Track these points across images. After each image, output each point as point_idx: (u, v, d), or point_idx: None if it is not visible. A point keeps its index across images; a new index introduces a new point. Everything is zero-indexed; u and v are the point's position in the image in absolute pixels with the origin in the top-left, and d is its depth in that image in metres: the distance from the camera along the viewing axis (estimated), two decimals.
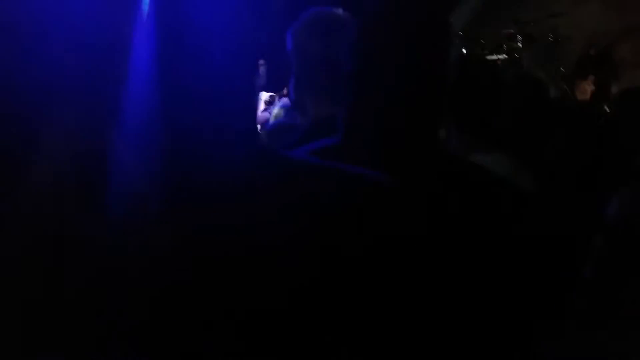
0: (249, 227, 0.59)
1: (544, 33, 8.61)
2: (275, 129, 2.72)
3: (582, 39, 8.04)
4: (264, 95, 4.38)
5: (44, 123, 0.57)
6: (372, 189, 0.72)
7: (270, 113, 4.12)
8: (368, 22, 1.20)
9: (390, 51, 1.09)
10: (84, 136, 0.60)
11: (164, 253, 0.57)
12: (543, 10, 8.77)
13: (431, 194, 0.94)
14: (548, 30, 8.59)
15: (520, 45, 8.67)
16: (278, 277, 0.59)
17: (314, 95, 1.43)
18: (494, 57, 8.73)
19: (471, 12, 10.02)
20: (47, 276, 0.55)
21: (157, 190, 0.59)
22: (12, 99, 0.57)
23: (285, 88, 8.24)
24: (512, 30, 8.73)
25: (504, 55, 8.70)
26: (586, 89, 7.35)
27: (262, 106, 4.31)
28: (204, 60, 0.66)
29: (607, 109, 4.11)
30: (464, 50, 8.15)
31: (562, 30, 8.52)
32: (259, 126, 3.47)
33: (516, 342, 0.97)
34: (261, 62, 7.72)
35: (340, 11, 1.47)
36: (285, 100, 4.07)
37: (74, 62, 0.60)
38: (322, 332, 0.61)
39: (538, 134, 1.83)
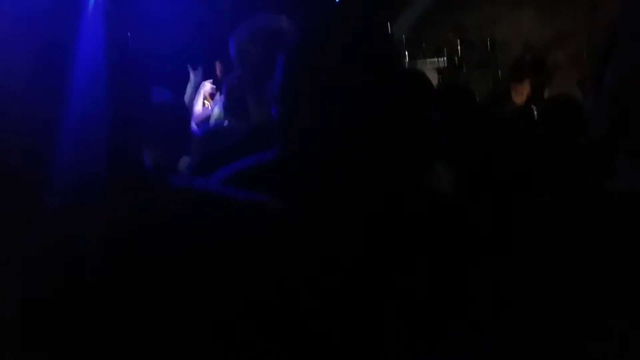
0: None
1: (481, 38, 8.85)
2: (213, 132, 2.66)
3: (517, 44, 8.28)
4: (206, 86, 4.09)
5: None
6: (270, 222, 0.71)
7: (209, 109, 3.93)
8: (306, 36, 1.19)
9: (325, 65, 1.03)
10: (27, 132, 0.65)
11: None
12: (480, 16, 9.04)
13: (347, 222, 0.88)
14: (486, 35, 8.84)
15: (459, 49, 8.86)
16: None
17: (253, 100, 1.43)
18: (435, 60, 8.93)
19: (413, 18, 10.20)
20: None
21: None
22: None
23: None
24: (451, 34, 8.91)
25: (444, 59, 8.89)
26: (522, 92, 7.61)
27: (200, 99, 4.02)
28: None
29: (536, 112, 4.16)
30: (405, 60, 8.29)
31: (499, 35, 8.78)
32: (194, 124, 3.27)
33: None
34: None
35: (284, 18, 1.49)
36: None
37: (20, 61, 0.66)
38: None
39: (469, 143, 1.80)
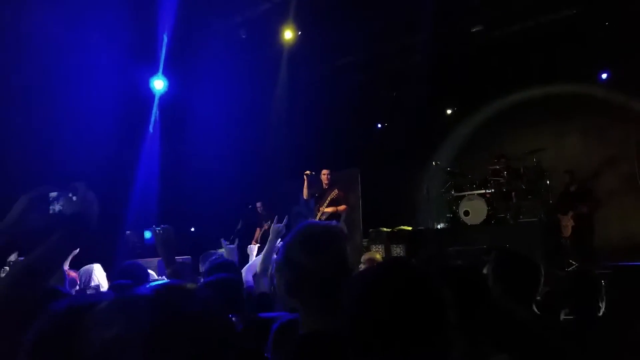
0: None
1: (528, 167, 8.83)
2: None
3: (565, 171, 8.24)
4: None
5: None
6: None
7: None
8: None
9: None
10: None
11: None
12: (526, 145, 9.12)
13: None
14: (532, 164, 8.82)
15: (506, 179, 8.85)
16: None
17: (301, 304, 1.56)
18: (483, 191, 8.95)
19: (456, 150, 10.50)
20: None
21: None
22: None
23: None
24: (497, 166, 8.95)
25: (492, 190, 8.87)
26: (567, 225, 7.49)
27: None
28: None
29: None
30: None
31: (546, 163, 8.77)
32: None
33: None
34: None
35: (330, 226, 1.64)
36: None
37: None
38: None
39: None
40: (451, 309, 1.19)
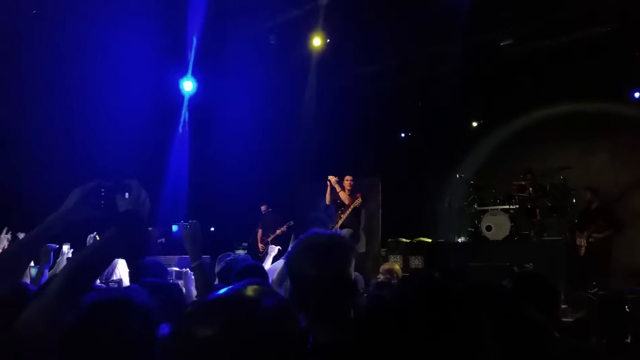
0: None
1: (554, 185, 8.68)
2: None
3: (591, 189, 8.07)
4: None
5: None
6: None
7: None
8: None
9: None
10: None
11: None
12: (553, 162, 8.99)
13: None
14: (558, 181, 8.67)
15: (531, 195, 8.72)
16: None
17: (305, 311, 1.51)
18: (507, 207, 8.83)
19: (481, 164, 10.37)
20: None
21: None
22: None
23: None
24: (523, 182, 8.83)
25: (516, 206, 8.76)
26: (582, 244, 7.29)
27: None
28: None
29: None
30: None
31: (572, 181, 8.59)
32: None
33: None
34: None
35: (334, 236, 1.61)
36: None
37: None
38: None
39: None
40: (486, 330, 1.19)
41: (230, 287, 0.99)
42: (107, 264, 1.49)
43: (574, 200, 8.50)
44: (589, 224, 7.22)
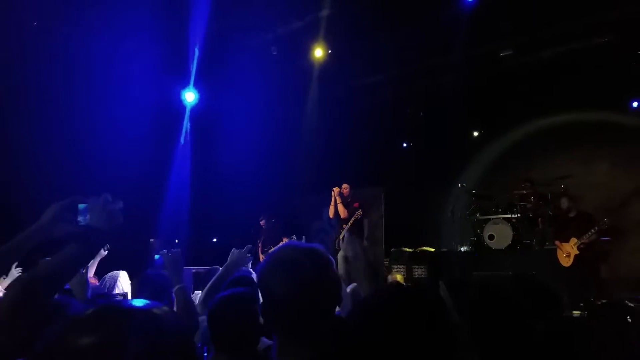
0: None
1: (556, 194, 8.67)
2: None
3: (593, 198, 8.08)
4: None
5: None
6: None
7: None
8: None
9: None
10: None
11: None
12: (554, 171, 8.99)
13: None
14: (560, 190, 8.66)
15: (532, 204, 8.73)
16: None
17: (276, 334, 1.42)
18: (509, 216, 8.83)
19: (482, 173, 10.39)
20: None
21: None
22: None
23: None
24: (524, 191, 8.85)
25: (518, 215, 8.76)
26: (570, 254, 7.11)
27: None
28: None
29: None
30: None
31: (573, 190, 8.57)
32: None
33: None
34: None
35: (312, 250, 1.46)
36: None
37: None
38: None
39: None
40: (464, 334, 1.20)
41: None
42: (66, 279, 1.45)
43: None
44: (574, 231, 7.06)
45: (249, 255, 3.30)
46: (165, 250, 2.69)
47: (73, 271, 1.45)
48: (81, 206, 1.47)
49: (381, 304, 1.17)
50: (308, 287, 1.36)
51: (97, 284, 4.07)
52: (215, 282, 3.04)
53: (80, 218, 1.46)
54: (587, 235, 6.88)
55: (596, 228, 6.88)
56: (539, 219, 8.68)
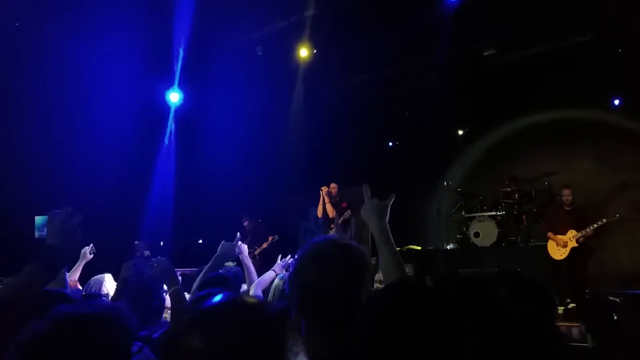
0: None
1: (539, 190, 8.79)
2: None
3: (576, 195, 8.14)
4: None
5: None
6: None
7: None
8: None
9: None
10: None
11: None
12: (538, 168, 9.10)
13: None
14: (543, 188, 8.78)
15: (517, 201, 8.82)
16: None
17: (310, 320, 1.46)
18: (494, 213, 8.92)
19: (467, 171, 10.48)
20: None
21: None
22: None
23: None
24: (508, 189, 8.94)
25: (503, 212, 8.85)
26: (567, 245, 7.04)
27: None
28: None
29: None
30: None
31: (557, 187, 8.64)
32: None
33: None
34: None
35: (346, 244, 1.53)
36: (282, 263, 4.10)
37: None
38: None
39: None
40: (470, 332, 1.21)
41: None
42: (30, 296, 1.41)
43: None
44: (573, 224, 7.02)
45: (240, 243, 3.34)
46: (151, 261, 2.70)
47: (36, 291, 1.41)
48: (39, 219, 1.43)
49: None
50: (337, 279, 1.44)
51: (80, 288, 4.02)
52: (204, 276, 3.04)
53: (36, 232, 1.43)
54: (591, 227, 6.86)
55: (604, 220, 6.86)
56: (524, 216, 8.78)
